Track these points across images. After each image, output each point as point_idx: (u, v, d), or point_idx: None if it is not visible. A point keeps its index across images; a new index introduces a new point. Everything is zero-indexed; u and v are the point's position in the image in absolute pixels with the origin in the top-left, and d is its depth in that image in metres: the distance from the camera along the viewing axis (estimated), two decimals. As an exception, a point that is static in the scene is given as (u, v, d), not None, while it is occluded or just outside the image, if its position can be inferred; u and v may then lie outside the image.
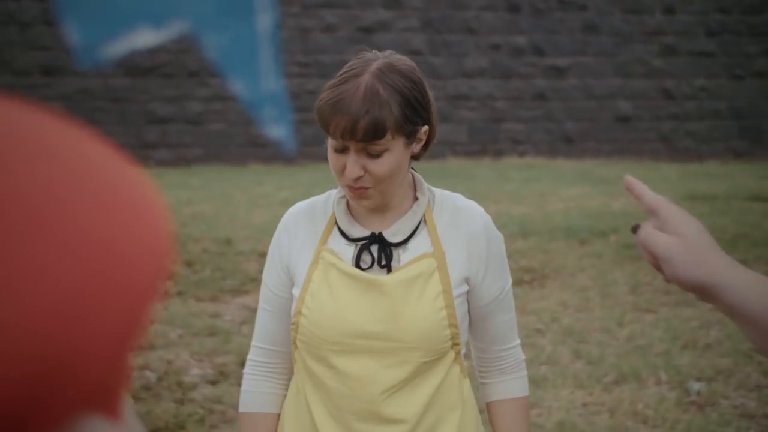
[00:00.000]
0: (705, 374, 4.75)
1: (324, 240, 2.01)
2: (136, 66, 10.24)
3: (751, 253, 6.50)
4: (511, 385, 2.09)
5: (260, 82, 0.61)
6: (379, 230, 2.00)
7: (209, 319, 5.27)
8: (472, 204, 2.04)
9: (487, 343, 2.07)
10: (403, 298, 1.95)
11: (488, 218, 2.03)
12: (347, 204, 2.02)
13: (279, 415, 2.12)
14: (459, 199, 2.04)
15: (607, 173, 9.80)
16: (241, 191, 8.22)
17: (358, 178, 1.89)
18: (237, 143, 10.60)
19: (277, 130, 0.61)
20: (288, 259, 2.04)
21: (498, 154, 11.27)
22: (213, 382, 4.53)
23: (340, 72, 1.93)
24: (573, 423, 4.24)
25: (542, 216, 7.36)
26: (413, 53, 10.91)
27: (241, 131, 10.60)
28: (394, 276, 1.96)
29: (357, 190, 1.91)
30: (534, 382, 4.59)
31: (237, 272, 5.94)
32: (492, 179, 9.31)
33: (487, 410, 2.10)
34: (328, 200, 2.06)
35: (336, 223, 2.02)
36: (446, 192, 2.06)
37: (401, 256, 1.99)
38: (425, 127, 1.95)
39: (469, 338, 2.08)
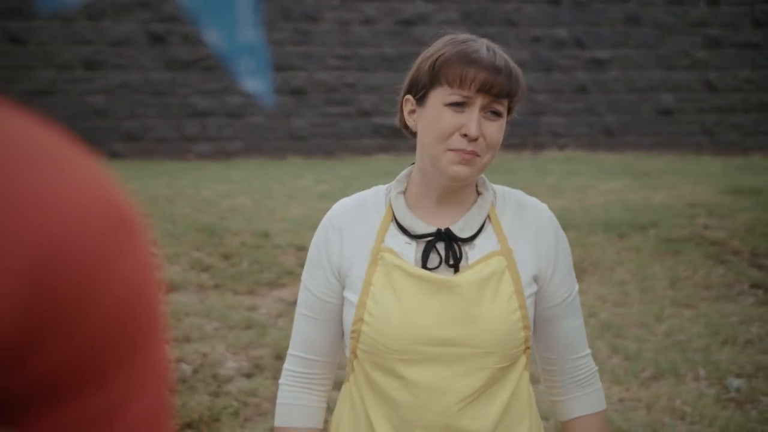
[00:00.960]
0: (745, 371, 4.68)
1: (381, 238, 1.88)
2: (176, 59, 10.30)
3: (794, 247, 6.39)
4: (591, 398, 1.97)
5: (237, 33, 0.57)
6: (444, 226, 1.88)
7: (245, 312, 5.28)
8: (536, 200, 1.95)
9: (559, 352, 1.95)
10: (478, 300, 1.83)
11: (553, 215, 1.94)
12: (405, 200, 1.91)
13: (319, 430, 1.98)
14: (521, 195, 1.96)
15: (648, 166, 9.70)
16: (280, 184, 8.24)
17: (475, 140, 1.81)
18: (277, 136, 10.63)
19: (254, 82, 0.58)
20: (340, 260, 1.89)
21: (538, 147, 11.20)
22: (248, 375, 4.54)
23: (451, 40, 1.87)
24: (609, 418, 4.18)
25: (581, 209, 7.30)
26: (453, 46, 10.87)
27: (281, 124, 10.62)
28: (466, 275, 1.84)
29: (468, 154, 1.81)
30: (570, 377, 4.55)
31: (274, 265, 5.95)
32: (532, 172, 9.25)
33: (565, 429, 1.98)
34: (378, 196, 1.93)
35: (394, 219, 1.89)
36: (507, 188, 1.97)
37: (468, 254, 1.87)
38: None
39: (533, 348, 1.96)
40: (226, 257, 6.05)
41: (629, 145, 11.39)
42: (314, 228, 2.00)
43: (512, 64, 1.85)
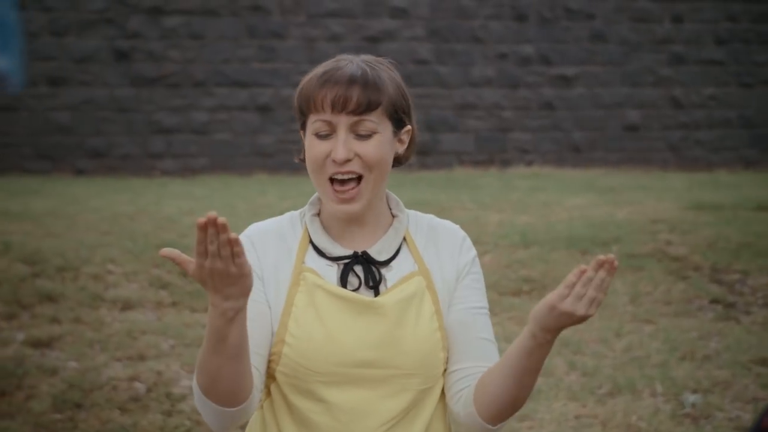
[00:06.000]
0: (701, 386, 4.69)
1: (302, 259, 1.84)
2: (141, 76, 10.25)
3: (753, 263, 6.43)
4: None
5: None
6: (361, 249, 1.85)
7: (202, 330, 5.23)
8: (447, 222, 1.94)
9: (472, 359, 1.84)
10: (401, 321, 1.80)
11: (465, 234, 1.93)
12: (320, 222, 1.87)
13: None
14: (433, 218, 1.94)
15: (613, 183, 9.74)
16: (244, 201, 8.20)
17: (347, 162, 1.77)
18: (242, 153, 10.60)
19: (2, 60, 0.56)
20: (262, 270, 1.84)
21: (505, 163, 11.22)
22: (202, 394, 4.49)
23: (321, 65, 1.87)
24: (564, 436, 4.18)
25: (545, 225, 7.31)
26: (420, 62, 10.88)
27: (246, 141, 10.59)
28: (389, 296, 1.81)
29: (345, 189, 1.78)
30: (527, 393, 4.53)
31: (234, 282, 5.91)
32: (498, 189, 9.26)
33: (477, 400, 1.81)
34: (293, 219, 1.90)
35: (311, 241, 1.86)
36: (419, 212, 1.95)
37: (386, 277, 1.85)
38: (409, 127, 1.87)
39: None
40: (185, 274, 6.00)
41: (596, 162, 11.44)
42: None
43: (377, 73, 1.80)
